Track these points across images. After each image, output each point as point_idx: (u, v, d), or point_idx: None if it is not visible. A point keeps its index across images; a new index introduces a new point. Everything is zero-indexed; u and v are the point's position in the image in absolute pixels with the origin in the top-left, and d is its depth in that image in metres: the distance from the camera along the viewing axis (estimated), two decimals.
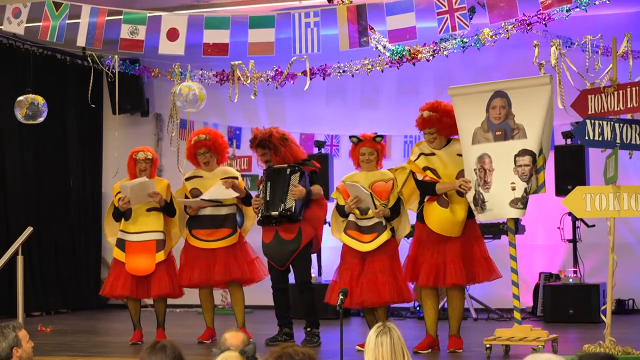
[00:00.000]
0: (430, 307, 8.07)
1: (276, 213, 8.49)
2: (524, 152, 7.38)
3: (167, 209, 9.03)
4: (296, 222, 8.56)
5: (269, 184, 8.61)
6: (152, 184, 8.91)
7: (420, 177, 8.00)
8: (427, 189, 8.01)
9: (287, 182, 8.53)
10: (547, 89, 7.42)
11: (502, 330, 7.70)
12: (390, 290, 8.03)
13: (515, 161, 7.41)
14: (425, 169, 7.98)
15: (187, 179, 9.07)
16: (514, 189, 7.37)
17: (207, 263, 8.86)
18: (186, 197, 8.98)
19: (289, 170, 8.58)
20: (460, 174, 7.88)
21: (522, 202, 7.39)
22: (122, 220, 9.03)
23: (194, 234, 8.95)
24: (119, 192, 9.00)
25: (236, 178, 9.02)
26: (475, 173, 7.62)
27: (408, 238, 8.58)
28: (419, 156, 8.06)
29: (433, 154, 8.04)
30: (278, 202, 8.50)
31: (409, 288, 8.22)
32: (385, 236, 8.10)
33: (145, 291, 8.99)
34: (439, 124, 7.99)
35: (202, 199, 8.88)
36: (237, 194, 8.86)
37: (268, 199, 8.57)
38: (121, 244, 8.99)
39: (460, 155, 7.90)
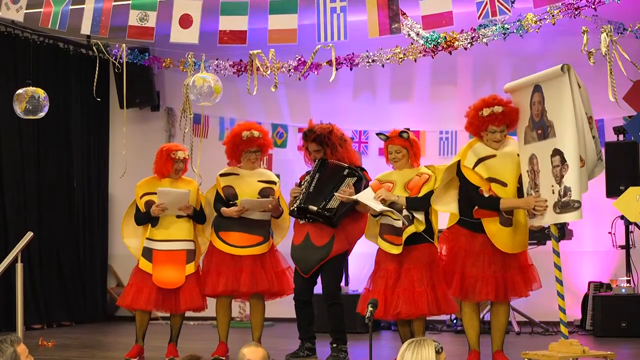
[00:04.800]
0: (474, 319, 7.93)
1: (314, 208, 8.36)
2: (555, 152, 7.27)
3: (196, 216, 9.00)
4: (331, 228, 8.49)
5: (317, 176, 8.51)
6: (187, 197, 8.85)
7: (486, 193, 7.67)
8: (490, 207, 7.70)
9: (341, 182, 8.41)
10: (563, 80, 7.16)
11: (554, 345, 7.64)
12: (429, 302, 7.91)
13: (551, 162, 7.31)
14: (489, 180, 7.68)
15: (221, 175, 8.97)
16: (553, 192, 7.30)
17: (233, 271, 8.77)
18: (218, 194, 8.88)
19: (347, 171, 8.47)
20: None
21: (559, 207, 7.26)
22: (149, 226, 8.97)
23: (221, 237, 8.84)
24: (144, 194, 8.94)
25: (274, 183, 8.97)
26: (528, 175, 7.51)
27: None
28: (476, 163, 7.74)
29: (493, 156, 7.75)
30: (321, 198, 8.39)
31: (450, 300, 8.06)
32: (410, 229, 7.89)
33: (173, 305, 8.92)
34: (511, 119, 7.73)
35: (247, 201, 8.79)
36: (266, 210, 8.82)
37: (312, 190, 8.45)
38: (148, 253, 8.88)
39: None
